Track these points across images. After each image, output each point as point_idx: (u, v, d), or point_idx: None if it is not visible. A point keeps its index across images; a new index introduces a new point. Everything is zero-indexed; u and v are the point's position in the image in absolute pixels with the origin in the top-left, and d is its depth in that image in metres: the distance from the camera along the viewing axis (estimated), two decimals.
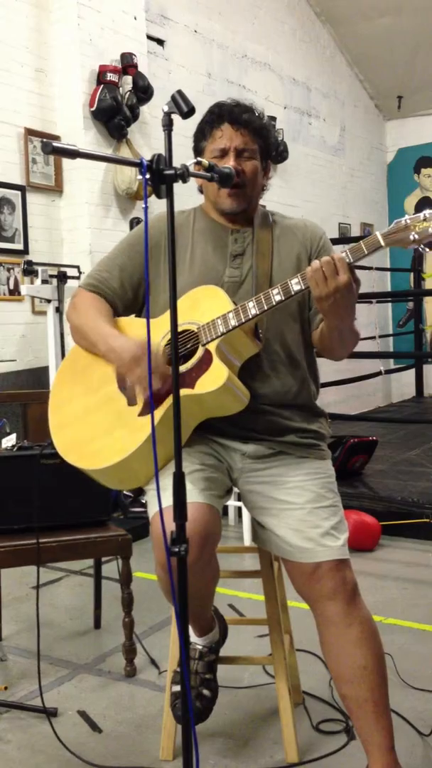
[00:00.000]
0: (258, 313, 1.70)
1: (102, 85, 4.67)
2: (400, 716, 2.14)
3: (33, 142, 4.59)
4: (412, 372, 8.35)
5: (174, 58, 5.74)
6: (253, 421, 1.81)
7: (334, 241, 2.54)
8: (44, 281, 4.19)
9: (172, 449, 1.40)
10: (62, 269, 4.28)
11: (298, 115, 7.30)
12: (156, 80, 5.22)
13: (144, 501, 3.93)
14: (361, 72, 8.33)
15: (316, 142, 7.64)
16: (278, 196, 6.68)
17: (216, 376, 1.68)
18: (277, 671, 1.99)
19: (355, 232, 8.25)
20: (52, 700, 2.35)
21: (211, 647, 1.96)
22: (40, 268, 4.21)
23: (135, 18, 5.06)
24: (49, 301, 4.21)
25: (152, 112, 5.07)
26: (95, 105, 4.65)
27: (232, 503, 4.22)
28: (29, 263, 4.28)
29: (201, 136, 1.88)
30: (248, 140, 1.83)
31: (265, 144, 1.88)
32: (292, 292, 1.67)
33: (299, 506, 1.76)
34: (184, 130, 1.88)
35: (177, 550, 1.37)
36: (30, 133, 4.59)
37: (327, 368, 2.01)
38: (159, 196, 1.41)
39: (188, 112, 1.40)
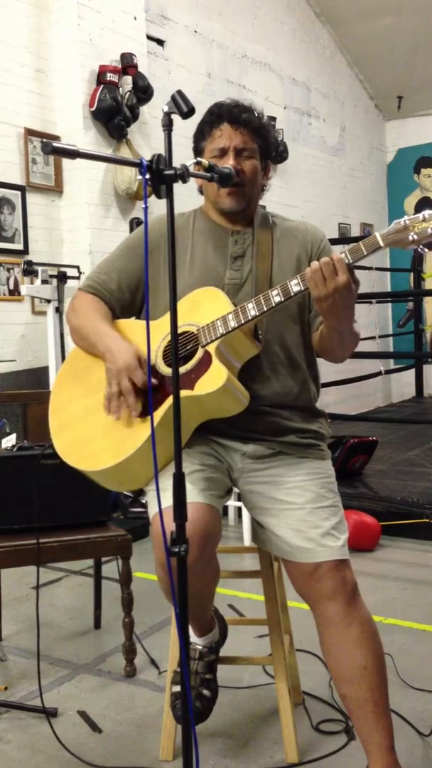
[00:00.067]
0: (257, 314, 1.70)
1: (102, 86, 4.67)
2: (400, 716, 2.14)
3: (33, 142, 4.59)
4: (412, 372, 8.35)
5: (174, 58, 5.74)
6: (253, 421, 1.81)
7: (334, 242, 2.54)
8: (44, 281, 4.19)
9: (171, 450, 1.40)
10: (62, 269, 4.28)
11: (298, 115, 7.30)
12: (156, 80, 5.22)
13: (144, 501, 3.93)
14: (361, 72, 8.33)
15: (316, 142, 7.64)
16: (278, 196, 6.68)
17: (215, 378, 1.68)
18: (277, 671, 1.99)
19: (355, 232, 8.25)
20: (52, 700, 2.35)
21: (211, 647, 1.97)
22: (40, 268, 4.21)
23: (135, 18, 5.06)
24: (48, 301, 4.21)
25: (152, 112, 5.07)
26: (95, 105, 4.66)
27: (232, 503, 4.22)
28: (29, 263, 4.28)
29: (200, 136, 1.88)
30: (247, 139, 1.84)
31: (264, 144, 1.88)
32: (292, 294, 1.67)
33: (299, 506, 1.76)
34: (184, 130, 1.88)
35: (177, 550, 1.37)
36: (30, 133, 4.59)
37: (327, 368, 2.01)
38: (159, 196, 1.41)
39: (188, 113, 1.40)
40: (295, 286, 1.67)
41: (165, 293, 1.85)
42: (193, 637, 1.96)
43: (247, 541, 3.80)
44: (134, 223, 4.96)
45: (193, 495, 1.65)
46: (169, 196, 1.40)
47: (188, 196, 2.15)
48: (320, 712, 2.22)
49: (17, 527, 2.42)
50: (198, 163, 1.63)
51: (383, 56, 7.88)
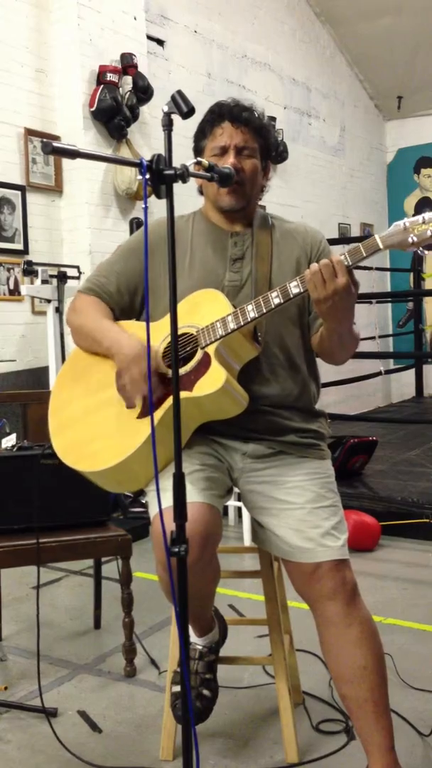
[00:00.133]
0: (257, 316, 1.70)
1: (102, 86, 4.67)
2: (400, 716, 2.14)
3: (33, 142, 4.59)
4: (412, 372, 8.35)
5: (174, 58, 5.74)
6: (253, 421, 1.81)
7: (334, 242, 2.54)
8: (44, 281, 4.19)
9: (171, 450, 1.40)
10: (62, 269, 4.28)
11: (297, 115, 7.30)
12: (156, 80, 5.22)
13: (144, 501, 3.93)
14: (361, 72, 8.33)
15: (316, 142, 7.64)
16: (278, 196, 6.68)
17: (214, 379, 1.68)
18: (277, 671, 1.99)
19: (355, 232, 8.25)
20: (52, 700, 2.35)
21: (211, 647, 1.97)
22: (40, 268, 4.21)
23: (135, 18, 5.06)
24: (48, 301, 4.21)
25: (152, 112, 5.07)
26: (95, 105, 4.66)
27: (232, 503, 4.22)
28: (29, 263, 4.27)
29: (201, 135, 1.88)
30: (248, 138, 1.84)
31: (265, 143, 1.88)
32: (291, 295, 1.67)
33: (299, 506, 1.76)
34: (184, 130, 1.88)
35: (177, 550, 1.37)
36: (30, 133, 4.59)
37: (327, 368, 2.01)
38: (159, 197, 1.41)
39: (188, 113, 1.40)
40: (294, 288, 1.67)
41: (164, 295, 1.84)
42: (193, 637, 1.96)
43: (247, 541, 3.80)
44: (134, 223, 4.96)
45: (194, 495, 1.65)
46: (169, 196, 1.40)
47: (188, 196, 2.15)
48: (320, 712, 2.22)
49: (17, 527, 2.42)
50: (198, 163, 1.63)
51: (383, 56, 7.88)
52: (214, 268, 1.86)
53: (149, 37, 5.34)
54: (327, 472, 1.86)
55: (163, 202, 1.41)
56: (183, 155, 1.63)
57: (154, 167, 1.38)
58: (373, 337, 6.26)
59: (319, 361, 1.96)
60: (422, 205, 8.74)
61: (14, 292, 4.49)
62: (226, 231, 1.90)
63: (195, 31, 5.96)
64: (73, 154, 1.35)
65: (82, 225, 4.75)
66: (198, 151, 1.89)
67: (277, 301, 1.68)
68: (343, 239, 7.26)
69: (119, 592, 2.52)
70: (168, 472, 1.44)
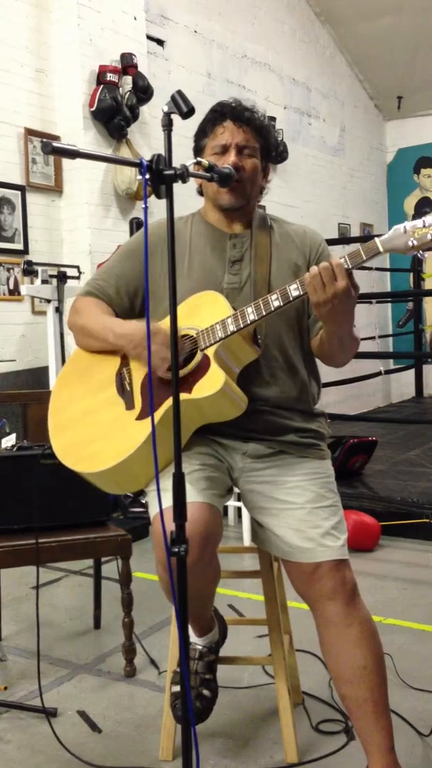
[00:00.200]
0: (256, 318, 1.69)
1: (102, 86, 4.67)
2: (400, 716, 2.14)
3: (33, 142, 4.59)
4: (411, 372, 8.35)
5: (174, 58, 5.74)
6: (253, 421, 1.81)
7: (334, 242, 2.54)
8: (44, 281, 4.19)
9: (171, 450, 1.40)
10: (62, 269, 4.28)
11: (297, 115, 7.30)
12: (156, 80, 5.22)
13: (144, 501, 3.93)
14: (361, 72, 8.33)
15: (316, 142, 7.64)
16: (278, 196, 6.68)
17: (213, 381, 1.68)
18: (276, 671, 1.99)
19: (355, 232, 8.25)
20: (52, 700, 2.35)
21: (210, 647, 1.97)
22: (40, 268, 4.21)
23: (135, 18, 5.06)
24: (48, 301, 4.21)
25: (152, 112, 5.07)
26: (95, 105, 4.66)
27: (232, 503, 4.22)
28: (29, 263, 4.28)
29: (202, 133, 1.88)
30: (249, 137, 1.84)
31: (265, 144, 1.88)
32: (291, 298, 1.67)
33: (299, 506, 1.76)
34: (184, 130, 1.88)
35: (177, 550, 1.37)
36: (30, 133, 4.59)
37: (327, 368, 2.01)
38: (159, 197, 1.41)
39: (188, 113, 1.40)
40: (294, 290, 1.66)
41: (164, 297, 1.84)
42: (193, 637, 1.96)
43: (247, 541, 3.80)
44: (134, 223, 4.96)
45: (194, 495, 1.65)
46: (169, 196, 1.40)
47: (188, 197, 2.15)
48: (320, 712, 2.22)
49: (17, 527, 2.42)
50: (198, 163, 1.63)
51: (383, 56, 7.88)
52: (213, 269, 1.86)
53: (149, 37, 5.34)
54: (327, 472, 1.86)
55: (163, 202, 1.41)
56: (183, 155, 1.63)
57: (154, 167, 1.38)
58: (373, 337, 6.25)
59: (319, 362, 1.96)
60: (422, 205, 8.74)
61: (14, 292, 4.50)
62: (224, 233, 1.89)
63: (195, 31, 5.97)
64: (73, 154, 1.35)
65: (82, 225, 4.75)
66: (198, 150, 1.89)
67: (276, 303, 1.68)
68: (343, 239, 7.26)
69: (119, 592, 2.52)
70: (168, 472, 1.44)
